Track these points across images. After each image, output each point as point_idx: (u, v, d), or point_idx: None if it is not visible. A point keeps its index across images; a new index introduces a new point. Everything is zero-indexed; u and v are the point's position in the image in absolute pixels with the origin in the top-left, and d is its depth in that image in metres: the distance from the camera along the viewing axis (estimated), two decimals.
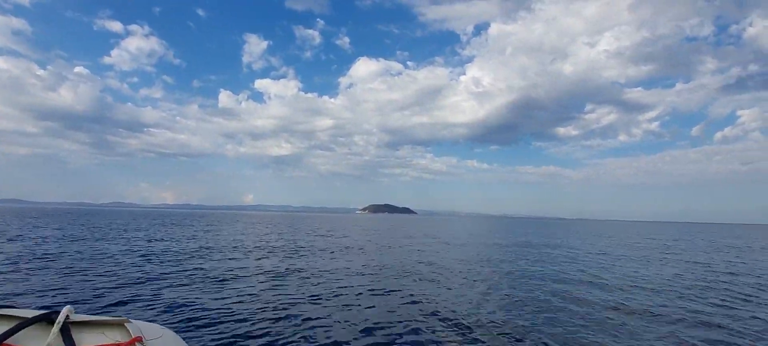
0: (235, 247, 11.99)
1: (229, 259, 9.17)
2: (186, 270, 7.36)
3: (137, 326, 1.08)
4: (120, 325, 1.08)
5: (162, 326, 1.22)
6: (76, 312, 1.06)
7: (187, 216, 49.65)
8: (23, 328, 0.97)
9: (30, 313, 1.02)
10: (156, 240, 13.30)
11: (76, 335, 1.01)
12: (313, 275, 7.24)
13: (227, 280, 6.55)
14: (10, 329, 0.95)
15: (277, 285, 6.29)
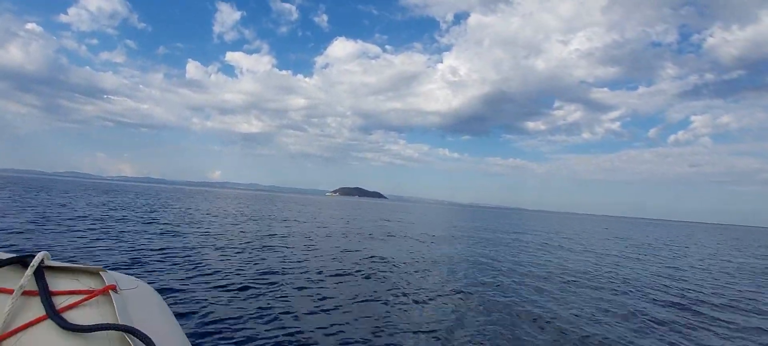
0: (206, 222, 12.22)
1: (202, 233, 9.49)
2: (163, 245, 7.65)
3: (112, 276, 1.08)
4: (95, 273, 1.09)
5: (137, 279, 1.21)
6: (52, 259, 1.06)
7: (154, 191, 47.95)
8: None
9: (4, 255, 1.02)
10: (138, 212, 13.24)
11: (50, 279, 1.00)
12: (285, 257, 7.76)
13: (202, 255, 6.95)
14: None
15: (245, 261, 6.77)
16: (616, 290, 6.73)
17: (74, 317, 0.91)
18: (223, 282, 5.20)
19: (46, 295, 0.94)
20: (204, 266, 6.13)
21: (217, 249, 7.72)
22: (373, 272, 6.71)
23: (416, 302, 4.96)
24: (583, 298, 5.90)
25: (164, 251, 7.03)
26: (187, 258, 6.57)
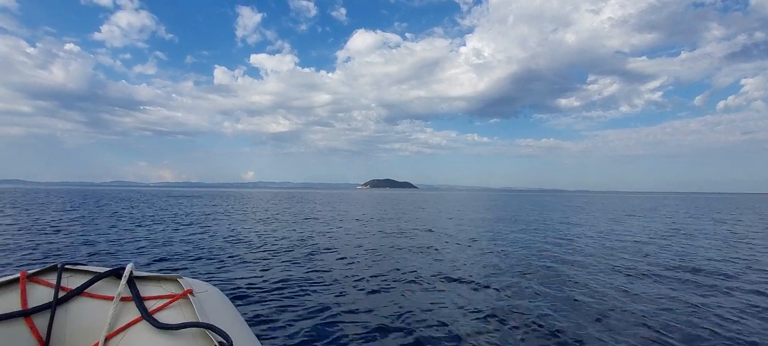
0: (257, 220, 12.23)
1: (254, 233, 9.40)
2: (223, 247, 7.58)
3: (188, 282, 1.29)
4: (174, 280, 1.30)
5: (208, 283, 1.42)
6: (137, 268, 1.28)
7: (197, 194, 49.92)
8: (98, 280, 1.23)
9: (101, 269, 1.27)
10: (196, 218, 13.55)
11: (139, 286, 1.24)
12: (334, 252, 7.45)
13: (263, 253, 6.78)
14: (89, 281, 1.20)
15: (298, 260, 6.51)
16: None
17: (162, 317, 1.14)
18: (278, 281, 5.30)
19: (139, 300, 1.19)
20: (257, 266, 6.23)
21: (267, 251, 7.59)
22: (418, 265, 6.26)
23: (472, 288, 4.43)
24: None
25: (226, 253, 6.94)
26: (246, 260, 6.52)
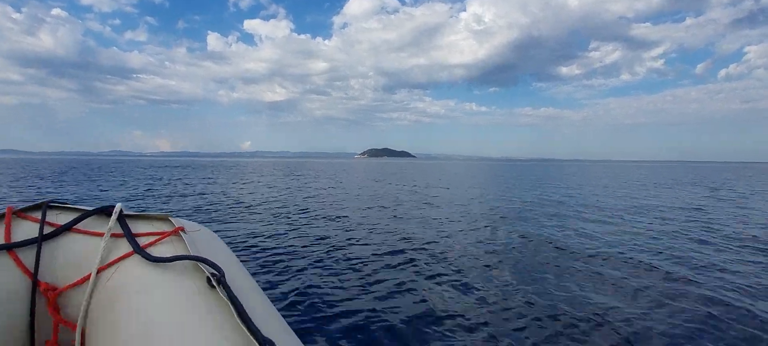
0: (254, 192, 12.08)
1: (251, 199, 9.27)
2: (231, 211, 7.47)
3: (179, 220, 1.28)
4: (164, 218, 1.29)
5: (199, 223, 1.38)
6: (126, 210, 1.28)
7: (196, 165, 49.61)
8: (86, 217, 1.22)
9: (90, 207, 1.27)
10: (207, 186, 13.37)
11: (130, 224, 1.24)
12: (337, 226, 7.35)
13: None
14: (77, 218, 1.20)
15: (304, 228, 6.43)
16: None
17: (154, 252, 1.14)
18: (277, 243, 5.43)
19: (130, 236, 1.19)
20: (257, 227, 6.27)
21: (270, 215, 7.52)
22: (410, 243, 6.14)
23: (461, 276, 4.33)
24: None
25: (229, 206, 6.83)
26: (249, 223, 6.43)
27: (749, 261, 5.15)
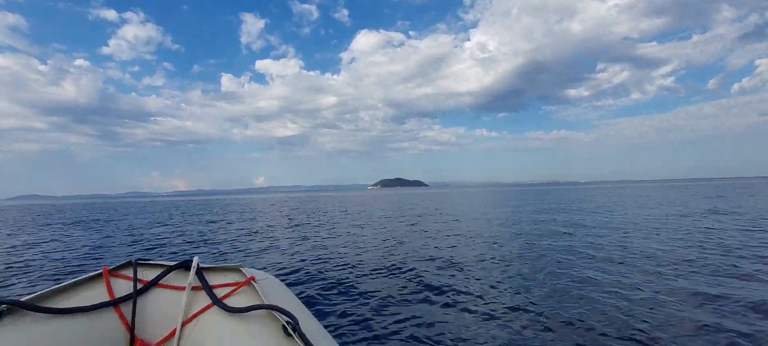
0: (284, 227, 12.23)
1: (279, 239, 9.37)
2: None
3: (249, 270, 1.37)
4: (236, 269, 1.39)
5: (267, 272, 1.51)
6: (201, 262, 1.39)
7: (221, 203, 50.48)
8: (169, 272, 1.32)
9: (171, 262, 1.37)
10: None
11: (206, 276, 1.34)
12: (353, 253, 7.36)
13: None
14: (161, 273, 1.31)
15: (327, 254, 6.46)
16: None
17: (230, 302, 1.23)
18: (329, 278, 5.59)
19: (208, 288, 1.29)
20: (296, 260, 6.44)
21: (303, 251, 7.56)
22: (427, 271, 6.13)
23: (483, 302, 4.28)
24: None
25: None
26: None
27: None
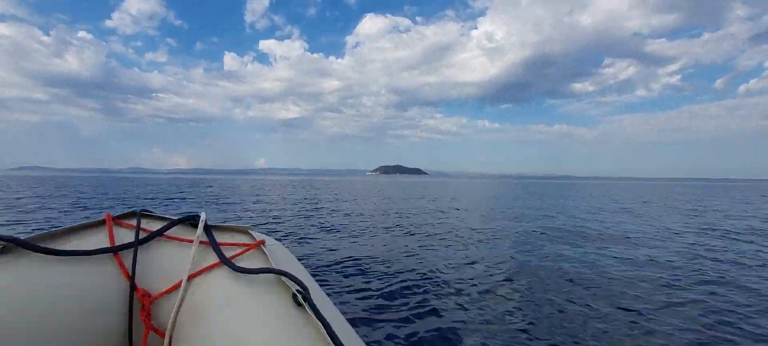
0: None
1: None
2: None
3: (258, 234, 1.31)
4: (245, 231, 1.33)
5: (274, 239, 1.44)
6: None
7: (226, 182, 50.58)
8: (174, 225, 1.27)
9: (176, 216, 1.32)
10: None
11: (214, 234, 1.28)
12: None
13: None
14: (166, 225, 1.26)
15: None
16: None
17: (239, 263, 1.16)
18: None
19: (216, 245, 1.21)
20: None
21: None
22: (424, 264, 6.24)
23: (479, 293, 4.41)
24: None
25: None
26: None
27: None
